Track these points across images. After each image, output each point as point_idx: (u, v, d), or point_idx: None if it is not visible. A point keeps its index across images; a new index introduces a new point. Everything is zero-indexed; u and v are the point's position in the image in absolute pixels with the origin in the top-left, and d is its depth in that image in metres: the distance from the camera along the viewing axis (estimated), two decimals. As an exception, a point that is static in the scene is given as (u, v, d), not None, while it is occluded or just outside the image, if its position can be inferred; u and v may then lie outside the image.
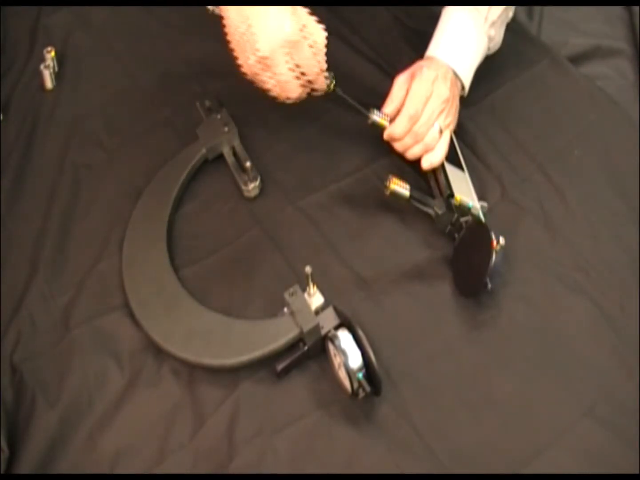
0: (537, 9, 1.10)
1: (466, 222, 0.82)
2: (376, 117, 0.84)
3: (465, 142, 0.93)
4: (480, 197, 0.85)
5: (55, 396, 0.75)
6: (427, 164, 0.85)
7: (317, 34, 0.75)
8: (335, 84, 0.82)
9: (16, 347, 0.78)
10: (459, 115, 0.91)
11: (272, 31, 0.71)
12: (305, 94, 0.78)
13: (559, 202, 0.87)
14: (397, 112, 0.84)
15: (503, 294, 0.80)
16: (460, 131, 0.93)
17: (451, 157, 0.88)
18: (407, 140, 0.84)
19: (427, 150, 0.85)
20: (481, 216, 0.83)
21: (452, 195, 0.82)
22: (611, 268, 0.82)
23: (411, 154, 0.86)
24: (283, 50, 0.72)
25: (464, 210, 0.82)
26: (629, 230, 0.84)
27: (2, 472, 0.69)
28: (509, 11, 0.91)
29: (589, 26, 1.09)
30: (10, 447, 0.70)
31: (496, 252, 0.75)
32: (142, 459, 0.71)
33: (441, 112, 0.84)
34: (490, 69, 1.00)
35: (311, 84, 0.77)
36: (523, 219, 0.86)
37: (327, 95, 0.82)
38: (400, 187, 0.81)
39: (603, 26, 1.09)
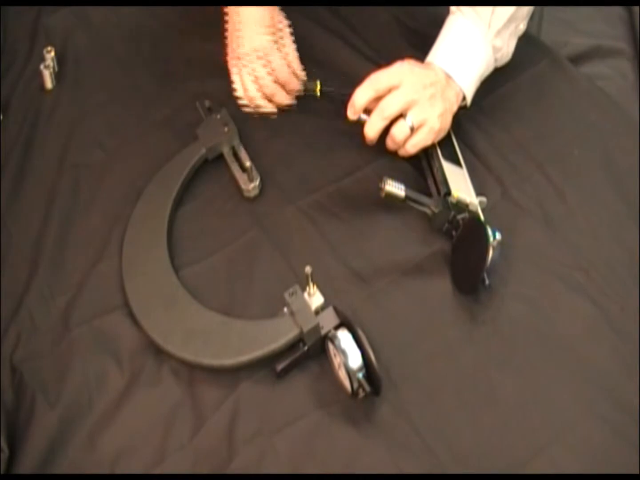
0: (537, 9, 1.10)
1: (463, 219, 0.81)
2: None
3: (465, 142, 0.93)
4: (480, 195, 0.85)
5: (55, 396, 0.75)
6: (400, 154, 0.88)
7: (290, 46, 0.94)
8: (322, 85, 0.94)
9: (16, 347, 0.78)
10: (459, 114, 0.91)
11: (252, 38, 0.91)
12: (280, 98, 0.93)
13: (559, 202, 0.87)
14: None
15: (503, 293, 0.80)
16: (460, 131, 0.93)
17: (449, 153, 0.88)
18: (375, 119, 0.84)
19: (398, 146, 0.86)
20: (479, 212, 0.83)
21: (449, 192, 0.82)
22: (611, 268, 0.82)
23: (388, 147, 0.88)
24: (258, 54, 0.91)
25: (461, 207, 0.82)
26: (629, 230, 0.84)
27: (2, 472, 0.69)
28: (520, 23, 0.88)
29: (589, 26, 1.09)
30: (10, 447, 0.70)
31: (493, 248, 0.75)
32: (142, 459, 0.71)
33: (409, 105, 0.83)
34: (490, 69, 1.00)
35: (284, 85, 0.93)
36: (523, 219, 0.86)
37: (321, 97, 0.94)
38: (395, 188, 0.81)
39: (603, 26, 1.09)
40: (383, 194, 0.81)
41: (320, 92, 0.93)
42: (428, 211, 0.83)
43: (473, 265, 0.77)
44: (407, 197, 0.82)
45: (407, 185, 0.82)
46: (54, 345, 0.78)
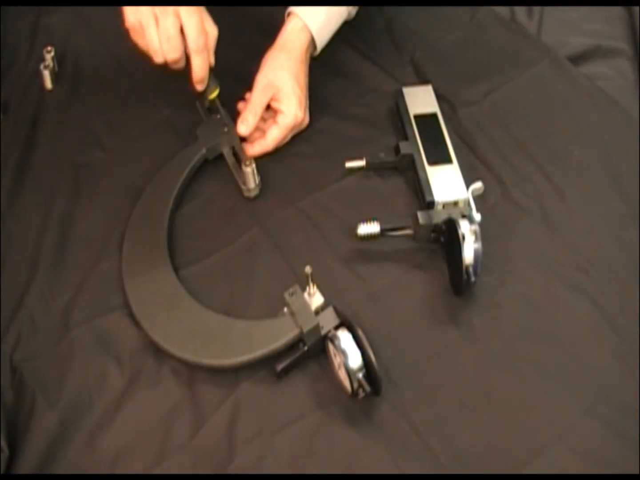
0: (537, 9, 1.10)
1: (444, 222, 0.80)
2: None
3: (465, 142, 0.93)
4: (480, 197, 0.85)
5: (55, 396, 0.75)
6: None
7: (211, 28, 0.84)
8: (219, 96, 0.90)
9: (16, 347, 0.78)
10: (460, 114, 0.90)
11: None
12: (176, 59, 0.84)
13: (559, 202, 0.87)
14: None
15: (503, 293, 0.80)
16: (460, 131, 0.93)
17: (439, 154, 0.88)
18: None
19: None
20: (471, 201, 0.81)
21: (432, 202, 0.83)
22: (611, 268, 0.82)
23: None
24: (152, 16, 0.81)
25: (449, 208, 0.82)
26: (629, 230, 0.84)
27: (2, 472, 0.69)
28: None
29: (589, 26, 1.09)
30: (10, 447, 0.70)
31: (465, 242, 0.75)
32: (142, 459, 0.71)
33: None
34: (490, 69, 1.00)
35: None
36: (523, 219, 0.86)
37: (210, 103, 0.91)
38: (369, 228, 0.81)
39: (603, 26, 1.09)
40: (359, 238, 0.82)
41: (214, 98, 0.90)
42: (409, 232, 0.82)
43: (458, 265, 0.77)
44: (382, 231, 0.82)
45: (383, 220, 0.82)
46: (54, 345, 0.78)
